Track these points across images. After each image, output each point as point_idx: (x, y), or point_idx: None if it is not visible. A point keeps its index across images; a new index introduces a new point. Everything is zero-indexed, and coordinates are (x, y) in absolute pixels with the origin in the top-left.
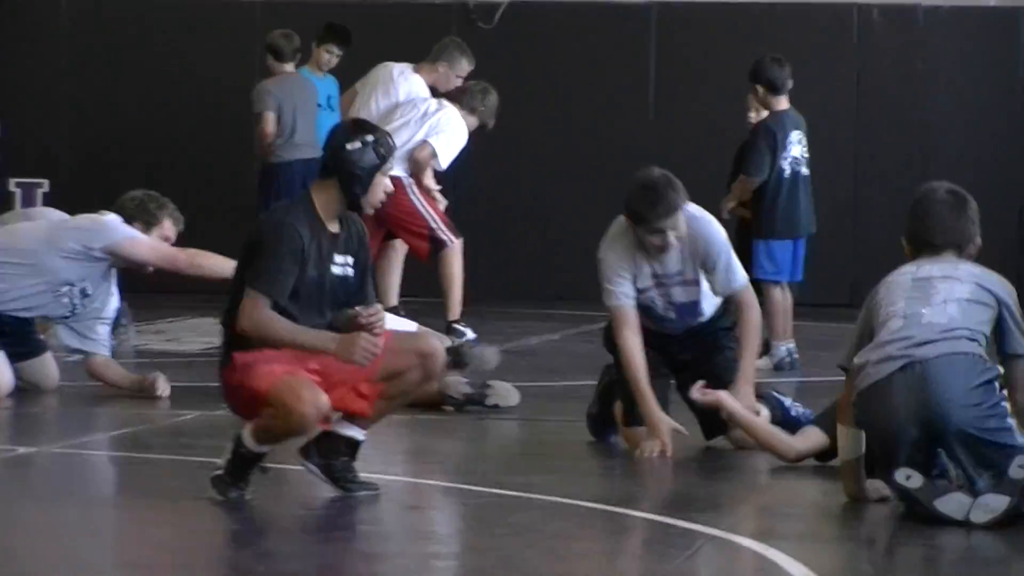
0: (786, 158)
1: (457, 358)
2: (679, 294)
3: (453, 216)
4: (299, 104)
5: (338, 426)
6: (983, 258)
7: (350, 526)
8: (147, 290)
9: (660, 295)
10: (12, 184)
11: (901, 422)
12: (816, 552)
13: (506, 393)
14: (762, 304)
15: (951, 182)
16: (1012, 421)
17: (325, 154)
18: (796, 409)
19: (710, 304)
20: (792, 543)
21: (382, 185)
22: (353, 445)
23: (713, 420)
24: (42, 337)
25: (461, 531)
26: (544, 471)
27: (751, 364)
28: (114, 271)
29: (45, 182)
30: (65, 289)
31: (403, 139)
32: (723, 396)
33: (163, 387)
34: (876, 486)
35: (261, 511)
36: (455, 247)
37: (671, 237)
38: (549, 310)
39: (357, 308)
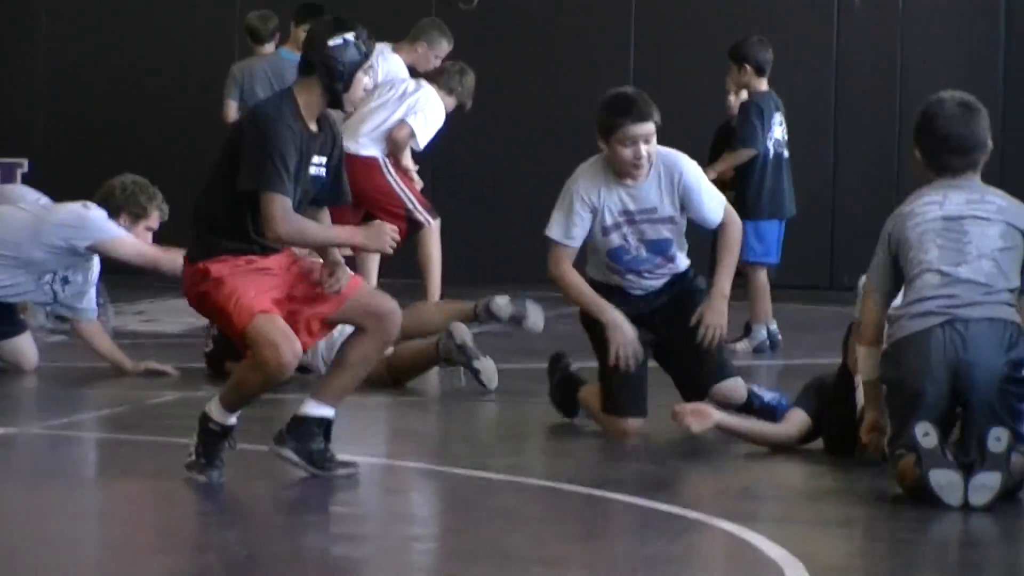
0: (770, 139)
1: (515, 313)
2: (650, 231)
3: (431, 197)
4: (274, 84)
5: (307, 407)
6: None
7: (330, 508)
8: (127, 271)
9: (632, 231)
10: None
11: (935, 375)
12: (796, 535)
13: (491, 373)
14: (745, 287)
15: None
16: None
17: (306, 52)
18: (767, 395)
19: (683, 254)
20: (772, 526)
21: (362, 83)
22: (325, 425)
23: (692, 385)
24: (22, 317)
25: (442, 513)
26: (525, 453)
27: (727, 278)
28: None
29: (24, 161)
30: (48, 277)
31: (381, 119)
32: (711, 412)
33: (166, 367)
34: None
35: (243, 493)
36: (433, 228)
37: (643, 150)
38: (530, 291)
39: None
